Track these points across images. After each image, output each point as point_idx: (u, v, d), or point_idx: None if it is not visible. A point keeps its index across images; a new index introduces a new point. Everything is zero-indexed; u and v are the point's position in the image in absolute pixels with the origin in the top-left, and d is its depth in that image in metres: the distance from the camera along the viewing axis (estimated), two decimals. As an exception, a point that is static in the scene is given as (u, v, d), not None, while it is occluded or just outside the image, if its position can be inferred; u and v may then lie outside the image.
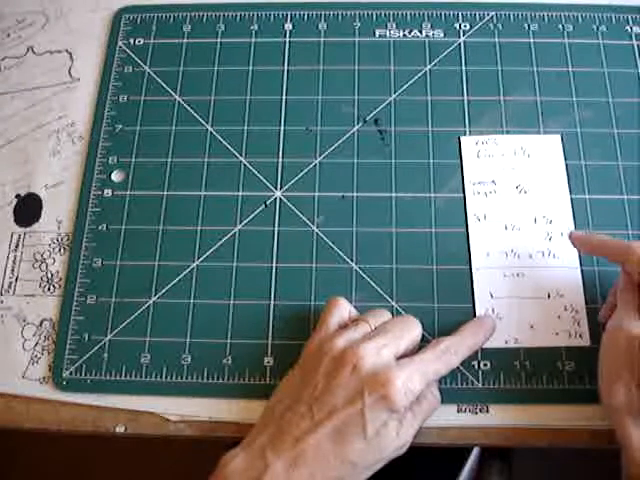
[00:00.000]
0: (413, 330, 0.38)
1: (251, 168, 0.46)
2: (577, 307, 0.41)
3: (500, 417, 0.39)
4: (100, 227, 0.45)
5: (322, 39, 0.49)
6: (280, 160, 0.46)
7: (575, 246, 0.41)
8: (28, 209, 0.46)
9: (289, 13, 0.50)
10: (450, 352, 0.37)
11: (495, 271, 0.42)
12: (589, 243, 0.41)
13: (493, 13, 0.50)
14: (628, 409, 0.34)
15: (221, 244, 0.44)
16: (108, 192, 0.46)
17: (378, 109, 0.47)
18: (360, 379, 0.34)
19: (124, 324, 0.42)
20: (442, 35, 0.49)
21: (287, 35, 0.50)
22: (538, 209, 0.44)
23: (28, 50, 0.51)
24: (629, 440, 0.33)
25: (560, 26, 0.49)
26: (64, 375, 0.41)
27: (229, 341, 0.41)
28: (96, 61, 0.50)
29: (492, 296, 0.41)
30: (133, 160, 0.46)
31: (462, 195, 0.44)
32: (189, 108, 0.48)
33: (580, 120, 0.46)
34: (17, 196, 0.46)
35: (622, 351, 0.35)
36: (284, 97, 0.48)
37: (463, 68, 0.48)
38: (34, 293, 0.44)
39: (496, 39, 0.49)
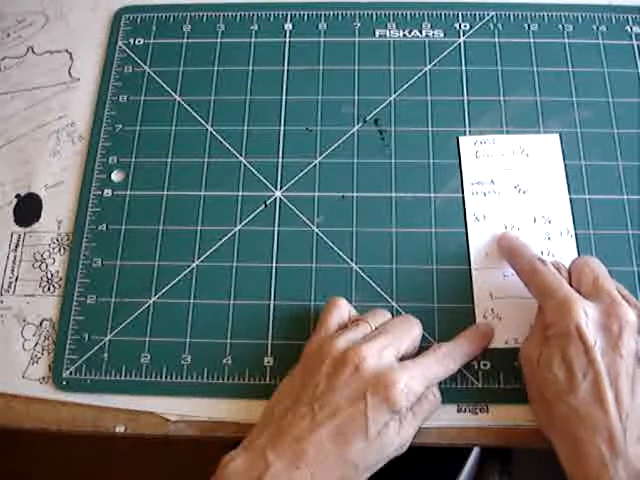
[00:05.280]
0: (413, 330, 0.38)
1: (251, 168, 0.46)
2: (577, 307, 0.41)
3: (500, 417, 0.39)
4: (100, 227, 0.44)
5: (322, 39, 0.49)
6: (280, 160, 0.46)
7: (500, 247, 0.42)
8: (28, 209, 0.46)
9: (289, 13, 0.50)
10: (450, 358, 0.37)
11: (495, 271, 0.42)
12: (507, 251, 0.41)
13: (493, 13, 0.50)
14: (544, 426, 0.36)
15: (221, 244, 0.44)
16: (108, 192, 0.46)
17: (378, 109, 0.47)
18: (363, 380, 0.34)
19: (124, 324, 0.42)
20: (442, 35, 0.49)
21: (287, 35, 0.50)
22: (537, 209, 0.44)
23: (28, 50, 0.51)
24: (557, 453, 0.34)
25: (560, 26, 0.49)
26: (64, 375, 0.41)
27: (229, 341, 0.41)
28: (96, 61, 0.50)
29: (492, 296, 0.41)
30: (133, 160, 0.46)
31: (461, 195, 0.44)
32: (189, 108, 0.48)
33: (580, 120, 0.46)
34: (17, 196, 0.46)
35: (526, 371, 0.37)
36: (284, 97, 0.48)
37: (463, 68, 0.48)
38: (34, 293, 0.43)
39: (496, 39, 0.49)
